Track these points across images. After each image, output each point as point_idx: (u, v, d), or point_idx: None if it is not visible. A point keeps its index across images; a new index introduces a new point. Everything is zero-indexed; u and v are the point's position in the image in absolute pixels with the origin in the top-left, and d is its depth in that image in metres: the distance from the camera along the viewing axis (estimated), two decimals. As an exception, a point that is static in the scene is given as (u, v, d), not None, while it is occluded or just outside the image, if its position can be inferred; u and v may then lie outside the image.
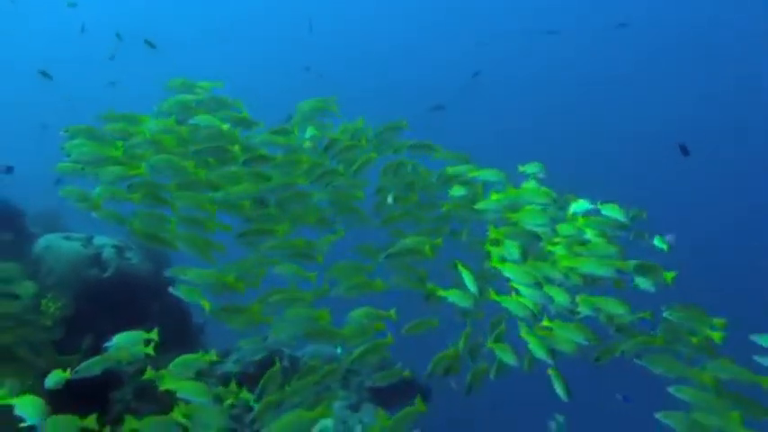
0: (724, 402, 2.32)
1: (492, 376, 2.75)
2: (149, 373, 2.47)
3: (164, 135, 2.92)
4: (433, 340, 3.00)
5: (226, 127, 2.98)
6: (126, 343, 2.52)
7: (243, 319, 2.74)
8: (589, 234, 2.80)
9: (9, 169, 4.87)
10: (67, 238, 3.94)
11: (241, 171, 2.93)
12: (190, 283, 2.70)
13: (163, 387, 2.40)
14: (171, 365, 2.50)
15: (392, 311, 2.80)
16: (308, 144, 3.16)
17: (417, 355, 3.63)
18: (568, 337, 2.59)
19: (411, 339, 2.99)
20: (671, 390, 2.41)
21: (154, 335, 2.59)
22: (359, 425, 3.37)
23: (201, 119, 2.96)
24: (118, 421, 2.77)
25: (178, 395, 2.37)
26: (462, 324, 2.97)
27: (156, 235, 2.78)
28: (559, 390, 2.57)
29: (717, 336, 2.53)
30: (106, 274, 3.86)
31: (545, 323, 2.67)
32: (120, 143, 2.87)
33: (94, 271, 3.81)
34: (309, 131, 3.21)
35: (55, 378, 2.39)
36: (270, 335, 2.75)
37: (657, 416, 2.36)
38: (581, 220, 2.84)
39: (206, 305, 2.70)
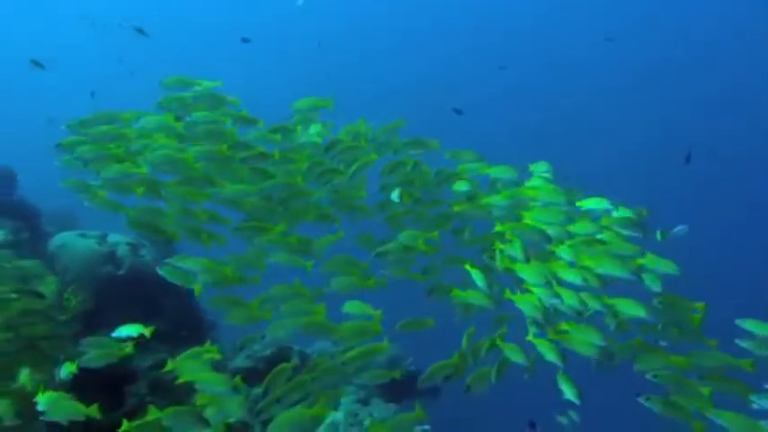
0: (697, 384, 2.44)
1: (493, 379, 2.72)
2: (170, 365, 2.55)
3: (162, 133, 2.96)
4: (447, 337, 3.01)
5: (228, 120, 3.02)
6: (126, 335, 2.63)
7: (241, 314, 2.80)
8: (606, 234, 2.79)
9: (13, 176, 5.07)
10: (82, 236, 4.02)
11: (243, 168, 2.98)
12: (176, 266, 2.75)
13: (182, 379, 2.47)
14: (177, 359, 2.61)
15: (379, 312, 2.81)
16: (318, 140, 3.19)
17: (428, 350, 3.66)
18: (587, 340, 2.56)
19: (424, 334, 3.01)
20: (648, 376, 2.50)
21: (148, 331, 2.70)
22: (369, 418, 3.42)
23: (199, 116, 2.99)
24: (133, 413, 2.85)
25: (197, 386, 2.44)
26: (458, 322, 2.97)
27: (151, 224, 2.83)
28: (569, 393, 2.54)
29: (696, 319, 2.62)
30: (120, 272, 3.93)
31: (563, 326, 2.65)
32: (122, 144, 2.92)
33: (109, 268, 3.88)
34: (314, 128, 3.25)
35: (66, 370, 2.48)
36: (267, 332, 2.79)
37: (639, 399, 2.45)
38: (605, 220, 2.84)
39: (197, 289, 2.75)
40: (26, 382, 2.43)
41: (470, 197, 3.15)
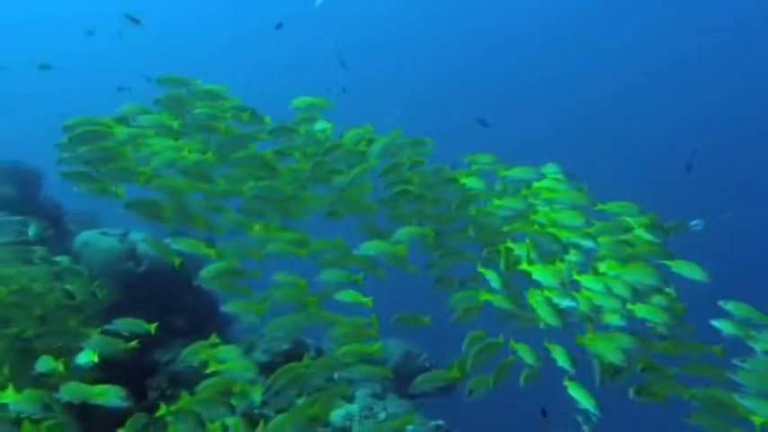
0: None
1: (490, 385, 2.73)
2: (204, 353, 2.69)
3: (159, 131, 3.01)
4: (461, 334, 3.03)
5: (229, 117, 3.07)
6: (124, 328, 2.77)
7: (239, 305, 2.89)
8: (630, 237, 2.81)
9: (39, 177, 5.23)
10: (104, 234, 4.15)
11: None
12: (158, 240, 2.87)
13: (211, 369, 2.61)
14: (183, 352, 2.76)
15: (369, 299, 2.90)
16: (320, 136, 3.24)
17: (443, 347, 3.68)
18: (615, 347, 2.55)
19: (439, 331, 3.04)
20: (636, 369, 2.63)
21: (152, 327, 2.82)
22: (383, 412, 3.47)
23: (201, 112, 3.02)
24: (155, 405, 2.95)
25: (226, 373, 2.58)
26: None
27: (148, 206, 2.88)
28: (586, 403, 2.52)
29: (679, 309, 2.75)
30: (141, 268, 4.05)
31: (589, 335, 2.66)
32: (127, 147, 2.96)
33: (130, 264, 4.01)
34: (319, 125, 3.29)
35: (85, 357, 2.59)
36: (265, 331, 2.87)
37: (630, 394, 2.57)
38: (630, 221, 2.85)
39: (176, 261, 2.89)
40: (57, 369, 2.53)
41: (467, 198, 3.15)
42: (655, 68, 19.73)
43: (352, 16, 20.56)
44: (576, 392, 2.55)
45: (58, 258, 3.55)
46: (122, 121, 3.04)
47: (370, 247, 2.92)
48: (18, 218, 4.26)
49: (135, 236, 4.19)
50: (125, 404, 2.42)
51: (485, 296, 2.88)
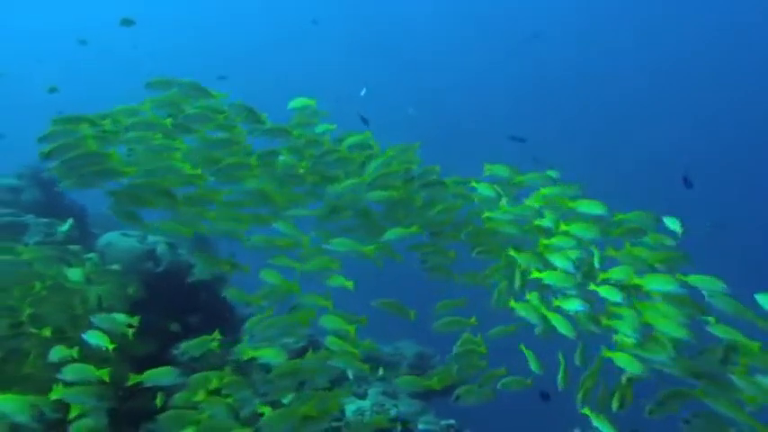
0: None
1: (480, 396, 2.84)
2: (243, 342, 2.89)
3: (150, 132, 3.05)
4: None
5: (221, 118, 3.16)
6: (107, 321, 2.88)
7: (234, 293, 3.09)
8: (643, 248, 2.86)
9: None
10: (125, 235, 4.30)
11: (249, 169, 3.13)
12: (130, 211, 2.98)
13: (246, 356, 2.83)
14: (184, 346, 2.93)
15: (351, 283, 3.04)
16: (320, 139, 3.34)
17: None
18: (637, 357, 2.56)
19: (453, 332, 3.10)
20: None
21: (135, 320, 2.94)
22: (394, 409, 3.53)
23: (197, 112, 3.07)
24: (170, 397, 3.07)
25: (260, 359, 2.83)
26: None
27: (134, 195, 2.96)
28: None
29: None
30: (159, 268, 4.19)
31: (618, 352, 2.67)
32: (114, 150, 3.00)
33: (149, 264, 4.15)
34: (321, 128, 3.38)
35: (95, 338, 2.72)
36: (256, 332, 2.98)
37: (614, 406, 2.61)
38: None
39: (149, 228, 3.04)
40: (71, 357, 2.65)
41: (450, 207, 3.23)
42: (654, 69, 19.51)
43: (359, 20, 20.75)
44: (600, 424, 2.54)
45: (91, 255, 3.73)
46: (107, 117, 3.06)
47: (339, 244, 3.05)
48: (45, 220, 4.44)
49: (153, 237, 4.34)
50: (179, 380, 2.64)
51: (511, 304, 2.94)
